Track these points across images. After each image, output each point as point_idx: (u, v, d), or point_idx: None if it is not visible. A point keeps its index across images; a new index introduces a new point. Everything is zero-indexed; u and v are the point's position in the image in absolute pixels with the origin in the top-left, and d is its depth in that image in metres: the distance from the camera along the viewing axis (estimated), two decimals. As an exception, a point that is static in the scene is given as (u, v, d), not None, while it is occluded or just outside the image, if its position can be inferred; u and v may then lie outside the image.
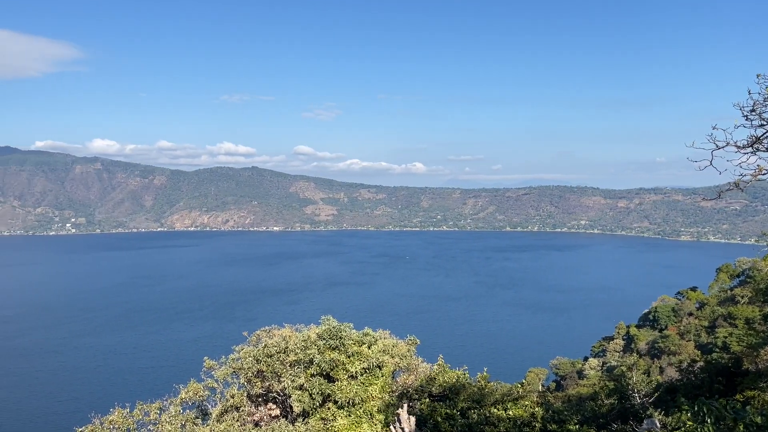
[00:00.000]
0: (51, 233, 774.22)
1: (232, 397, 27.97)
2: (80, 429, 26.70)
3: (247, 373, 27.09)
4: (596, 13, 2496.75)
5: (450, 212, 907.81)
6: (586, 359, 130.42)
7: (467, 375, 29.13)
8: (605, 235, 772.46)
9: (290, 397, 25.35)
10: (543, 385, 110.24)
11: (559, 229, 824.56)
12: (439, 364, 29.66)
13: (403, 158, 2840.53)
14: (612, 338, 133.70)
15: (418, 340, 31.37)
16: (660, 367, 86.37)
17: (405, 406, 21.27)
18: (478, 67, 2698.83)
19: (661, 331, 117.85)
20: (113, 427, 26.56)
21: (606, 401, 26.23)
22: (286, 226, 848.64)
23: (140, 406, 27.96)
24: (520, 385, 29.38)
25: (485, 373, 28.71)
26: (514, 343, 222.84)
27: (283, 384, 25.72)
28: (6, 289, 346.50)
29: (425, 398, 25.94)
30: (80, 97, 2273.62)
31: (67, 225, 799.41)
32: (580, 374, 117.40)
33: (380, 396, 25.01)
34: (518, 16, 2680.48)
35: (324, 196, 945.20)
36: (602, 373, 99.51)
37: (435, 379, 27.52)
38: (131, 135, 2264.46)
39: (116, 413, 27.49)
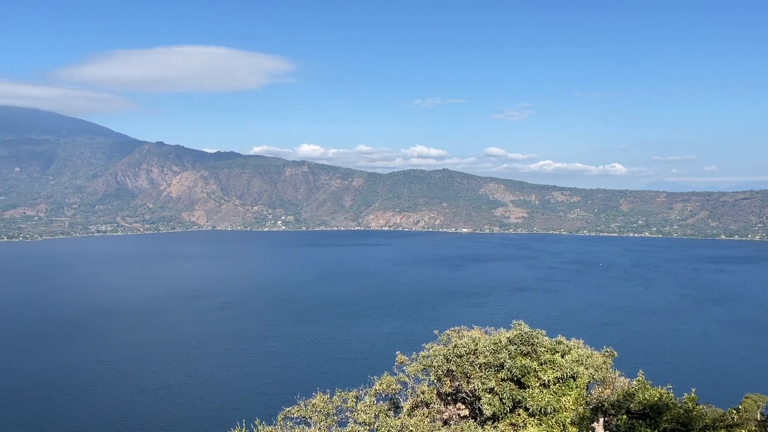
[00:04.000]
0: (265, 229, 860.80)
1: (423, 393, 28.79)
2: (288, 408, 29.47)
3: (437, 371, 27.70)
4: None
5: (653, 217, 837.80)
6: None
7: (671, 394, 26.76)
8: None
9: (480, 399, 25.43)
10: (763, 414, 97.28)
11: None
12: (638, 380, 27.65)
13: (601, 159, 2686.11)
14: None
15: (615, 353, 29.62)
16: None
17: (601, 420, 20.23)
18: (691, 63, 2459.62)
19: None
20: (315, 410, 28.87)
21: None
22: (475, 228, 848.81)
23: (339, 394, 30.06)
24: (734, 411, 26.36)
25: (693, 394, 26.15)
26: (727, 365, 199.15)
27: (472, 385, 25.88)
28: (225, 278, 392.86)
29: (622, 415, 24.39)
30: (291, 105, 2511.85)
31: (278, 222, 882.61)
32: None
33: (574, 408, 24.02)
34: (736, 9, 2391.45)
35: (514, 198, 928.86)
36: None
37: (634, 395, 25.71)
38: (333, 140, 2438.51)
39: (318, 397, 29.87)
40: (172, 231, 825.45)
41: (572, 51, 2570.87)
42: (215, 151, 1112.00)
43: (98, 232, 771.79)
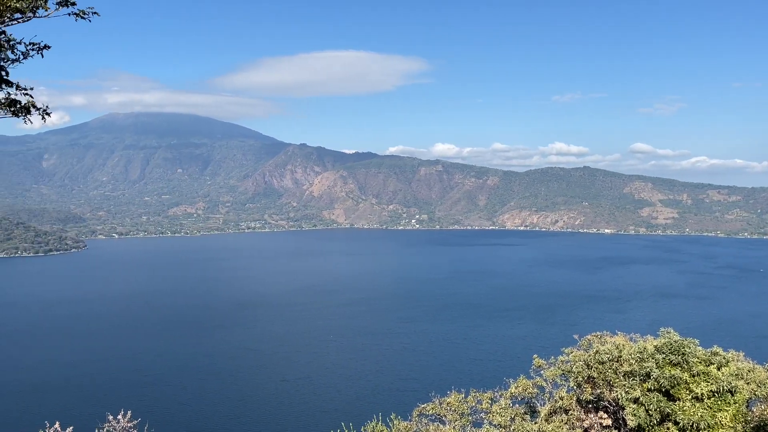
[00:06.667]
0: (399, 227, 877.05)
1: (561, 399, 27.83)
2: (422, 405, 29.86)
3: (577, 377, 26.60)
4: None
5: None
6: None
7: None
8: None
9: (623, 409, 24.10)
10: None
11: None
12: (810, 401, 24.76)
13: (766, 154, 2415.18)
14: None
15: (781, 368, 26.76)
16: None
17: (764, 442, 18.33)
18: None
19: None
20: (450, 409, 28.99)
21: None
22: (618, 229, 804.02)
23: (474, 394, 29.94)
24: None
25: None
26: None
27: (615, 394, 24.59)
28: (360, 274, 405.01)
29: (790, 437, 21.99)
30: (425, 106, 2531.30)
31: (413, 221, 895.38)
32: None
33: (732, 425, 22.03)
34: None
35: (663, 198, 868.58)
36: None
37: (805, 417, 23.06)
38: (468, 139, 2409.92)
39: (452, 396, 29.97)
40: (313, 228, 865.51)
41: (729, 40, 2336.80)
42: (353, 151, 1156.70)
43: (248, 228, 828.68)
